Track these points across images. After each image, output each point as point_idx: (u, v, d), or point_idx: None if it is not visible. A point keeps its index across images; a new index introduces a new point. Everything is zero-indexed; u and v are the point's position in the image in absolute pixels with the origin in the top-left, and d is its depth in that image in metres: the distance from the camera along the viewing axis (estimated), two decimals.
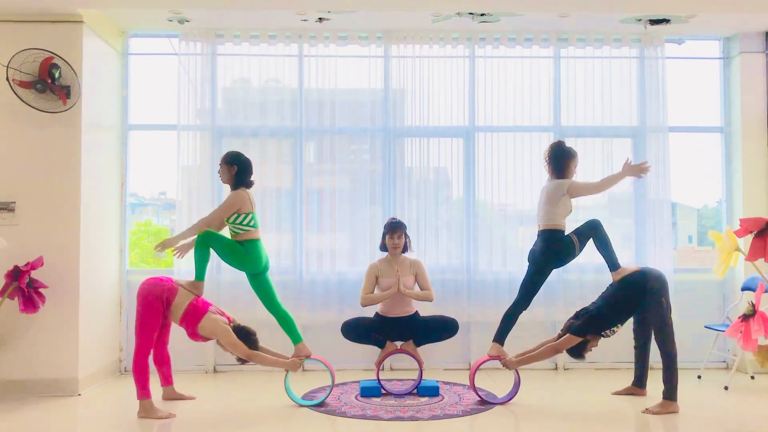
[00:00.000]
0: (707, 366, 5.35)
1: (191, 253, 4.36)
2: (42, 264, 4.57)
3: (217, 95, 5.56)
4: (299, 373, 5.28)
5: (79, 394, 4.68)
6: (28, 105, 4.63)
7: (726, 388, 4.82)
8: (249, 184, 4.46)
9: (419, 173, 5.55)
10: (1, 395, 4.62)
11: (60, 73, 4.65)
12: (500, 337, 4.52)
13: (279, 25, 5.41)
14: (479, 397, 4.46)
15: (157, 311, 4.16)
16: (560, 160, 4.51)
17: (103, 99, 5.21)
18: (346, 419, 4.09)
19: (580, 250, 4.48)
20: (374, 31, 5.51)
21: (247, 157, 4.49)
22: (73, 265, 4.72)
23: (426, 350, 4.99)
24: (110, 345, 5.29)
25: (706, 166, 5.87)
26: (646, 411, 4.21)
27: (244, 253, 4.34)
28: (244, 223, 4.34)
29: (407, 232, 4.85)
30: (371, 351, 4.97)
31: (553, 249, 4.43)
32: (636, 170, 4.52)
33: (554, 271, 4.65)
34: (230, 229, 4.39)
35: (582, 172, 5.54)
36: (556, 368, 5.53)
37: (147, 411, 4.10)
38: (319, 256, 5.48)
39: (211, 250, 4.37)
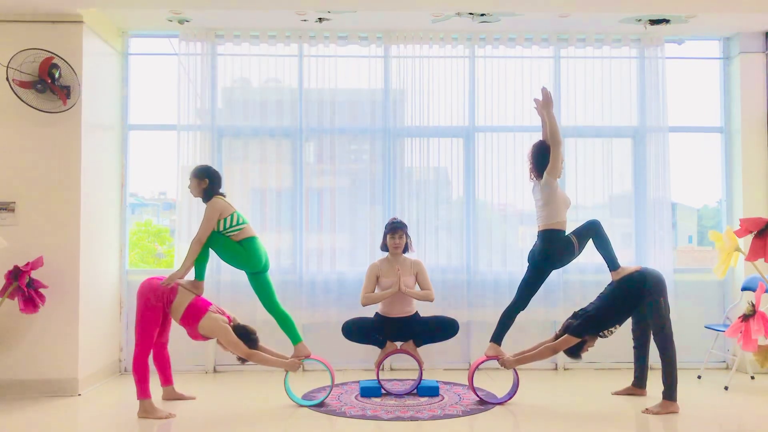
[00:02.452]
0: (707, 366, 5.35)
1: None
2: (42, 264, 4.57)
3: (217, 95, 5.56)
4: (299, 373, 5.28)
5: (79, 394, 4.69)
6: (28, 105, 4.63)
7: (726, 388, 4.82)
8: (222, 194, 4.45)
9: (419, 173, 5.55)
10: (1, 395, 4.62)
11: (60, 73, 4.65)
12: (497, 337, 4.51)
13: (279, 25, 5.41)
14: (478, 397, 4.46)
15: (157, 311, 4.16)
16: (544, 158, 4.44)
17: (103, 99, 5.22)
18: (346, 419, 4.09)
19: (580, 251, 4.47)
20: (374, 31, 5.51)
21: (215, 170, 4.49)
22: (73, 265, 4.72)
23: (426, 350, 4.99)
24: (110, 345, 5.29)
25: (706, 166, 5.87)
26: (646, 411, 4.21)
27: (243, 252, 4.34)
28: (233, 224, 4.34)
29: (408, 232, 4.85)
30: (371, 351, 4.97)
31: (552, 250, 4.42)
32: (545, 98, 4.45)
33: (554, 271, 4.65)
34: (224, 236, 4.37)
35: (582, 172, 5.56)
36: (556, 368, 5.53)
37: (147, 411, 4.10)
38: (319, 256, 5.48)
39: (210, 249, 4.38)
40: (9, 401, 4.51)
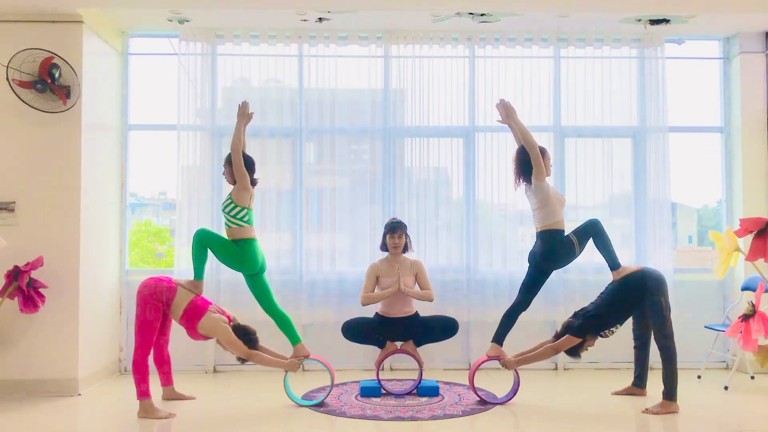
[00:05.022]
0: (707, 366, 5.35)
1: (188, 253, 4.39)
2: (42, 264, 4.57)
3: (217, 95, 5.56)
4: (299, 373, 5.28)
5: (79, 394, 4.68)
6: (28, 105, 4.63)
7: (726, 388, 4.82)
8: (253, 182, 4.47)
9: (419, 173, 5.55)
10: (1, 395, 4.62)
11: (60, 73, 4.65)
12: (499, 337, 4.51)
13: (279, 25, 5.41)
14: (479, 397, 4.46)
15: (157, 311, 4.16)
16: (528, 164, 4.44)
17: (103, 99, 5.21)
18: (346, 419, 4.09)
19: (581, 250, 4.47)
20: (374, 31, 5.51)
21: (250, 155, 4.51)
22: (73, 265, 4.72)
23: (426, 350, 4.99)
24: (110, 345, 5.29)
25: (706, 166, 5.87)
26: (646, 411, 4.21)
27: (240, 254, 4.35)
28: (239, 216, 4.35)
29: (408, 232, 4.85)
30: (371, 351, 4.97)
31: (553, 250, 4.43)
32: (505, 110, 4.51)
33: (554, 271, 4.65)
34: (225, 221, 4.40)
35: (582, 172, 5.57)
36: (556, 368, 5.53)
37: (147, 411, 4.10)
38: (319, 256, 5.48)
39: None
40: (9, 401, 4.50)
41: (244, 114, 4.51)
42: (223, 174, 4.54)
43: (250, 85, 5.58)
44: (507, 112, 4.53)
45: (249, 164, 4.46)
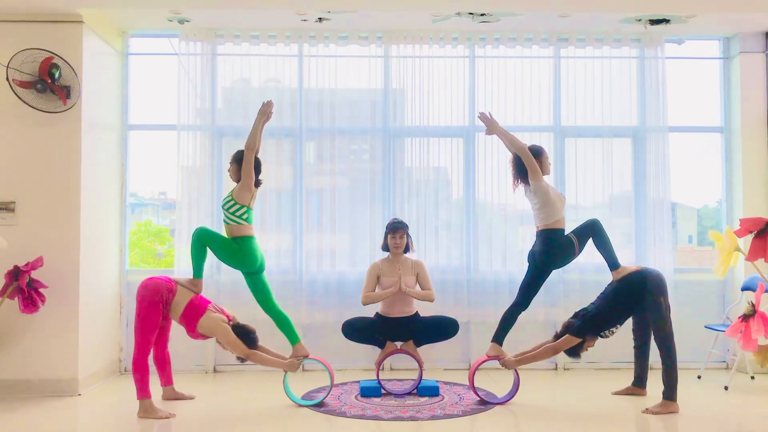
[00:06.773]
0: (707, 366, 5.35)
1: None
2: (42, 264, 4.56)
3: (217, 95, 5.56)
4: (299, 373, 5.27)
5: (79, 394, 4.68)
6: (28, 105, 4.63)
7: (726, 388, 4.82)
8: (257, 183, 4.47)
9: (419, 173, 5.55)
10: (1, 395, 4.62)
11: (60, 73, 4.65)
12: (499, 337, 4.51)
13: (279, 25, 5.41)
14: (479, 397, 4.46)
15: (157, 311, 4.16)
16: (524, 167, 4.48)
17: (103, 99, 5.21)
18: (346, 419, 4.09)
19: (581, 250, 4.47)
20: (374, 31, 5.51)
21: (258, 157, 4.51)
22: (73, 265, 4.72)
23: (426, 350, 4.99)
24: (110, 345, 5.29)
25: (706, 166, 5.87)
26: (646, 411, 4.21)
27: (239, 251, 4.35)
28: (238, 214, 4.36)
29: (409, 232, 4.86)
30: (371, 351, 4.97)
31: (553, 249, 4.43)
32: (487, 123, 4.60)
33: (554, 271, 4.65)
34: (224, 217, 4.40)
35: (582, 172, 5.57)
36: (556, 368, 5.52)
37: (147, 411, 4.10)
38: (319, 256, 5.48)
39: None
40: (9, 401, 4.50)
41: (264, 112, 4.49)
42: (228, 171, 4.55)
43: (250, 85, 5.58)
44: (489, 125, 4.62)
45: (256, 165, 4.47)
